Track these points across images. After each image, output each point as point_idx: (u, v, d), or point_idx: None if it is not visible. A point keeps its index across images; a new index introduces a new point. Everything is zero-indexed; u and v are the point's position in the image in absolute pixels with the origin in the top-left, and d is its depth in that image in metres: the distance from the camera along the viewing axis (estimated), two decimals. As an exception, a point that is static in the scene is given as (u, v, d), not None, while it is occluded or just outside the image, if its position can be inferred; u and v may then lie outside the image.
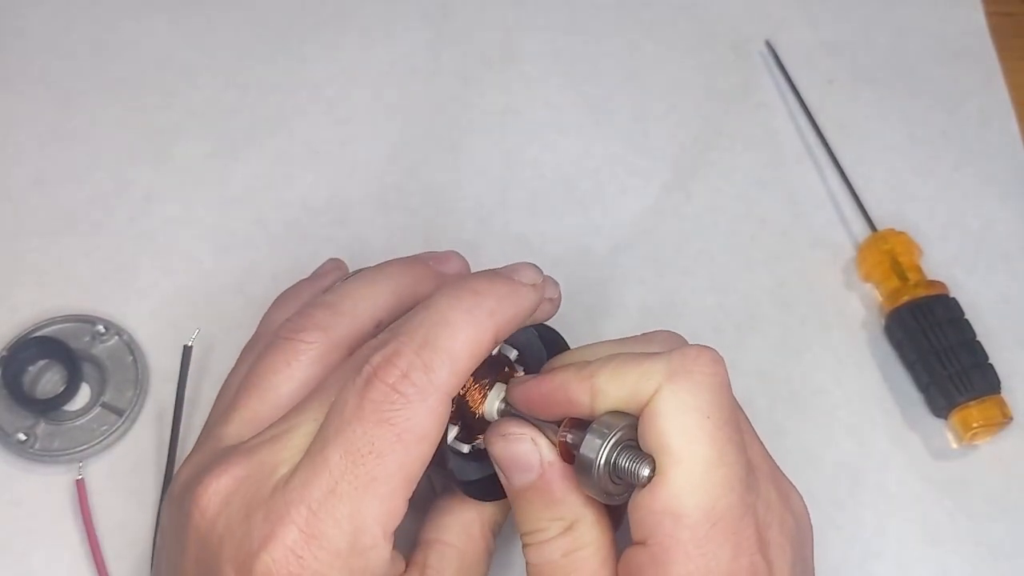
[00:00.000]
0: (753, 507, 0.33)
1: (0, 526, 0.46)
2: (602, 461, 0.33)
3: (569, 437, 0.35)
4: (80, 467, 0.46)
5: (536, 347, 0.40)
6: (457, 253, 0.42)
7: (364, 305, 0.39)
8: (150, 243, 0.52)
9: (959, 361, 0.49)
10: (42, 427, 0.47)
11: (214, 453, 0.36)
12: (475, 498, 0.38)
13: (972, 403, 0.48)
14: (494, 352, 0.38)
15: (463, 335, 0.34)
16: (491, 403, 0.37)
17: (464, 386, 0.37)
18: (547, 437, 0.35)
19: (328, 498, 0.32)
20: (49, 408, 0.47)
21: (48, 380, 0.49)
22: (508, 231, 0.54)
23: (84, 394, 0.49)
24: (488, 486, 0.38)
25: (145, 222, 0.53)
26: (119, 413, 0.48)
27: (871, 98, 0.59)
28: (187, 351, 0.46)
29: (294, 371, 0.37)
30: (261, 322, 0.44)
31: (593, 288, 0.53)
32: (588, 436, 0.34)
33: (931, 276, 0.52)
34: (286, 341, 0.38)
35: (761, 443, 0.38)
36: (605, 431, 0.33)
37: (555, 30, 0.60)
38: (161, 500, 0.45)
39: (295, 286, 0.45)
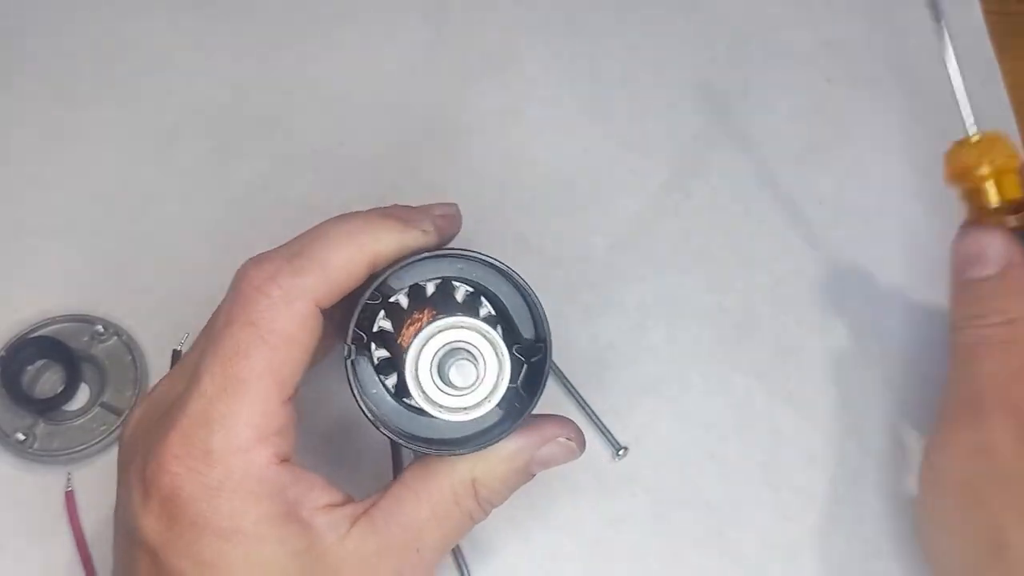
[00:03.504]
0: None
1: (-1, 526, 0.46)
2: None
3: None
4: (69, 477, 0.46)
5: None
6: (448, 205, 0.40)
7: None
8: (150, 243, 0.52)
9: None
10: (41, 427, 0.47)
11: None
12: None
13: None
14: (469, 292, 0.36)
15: (341, 251, 0.35)
16: None
17: (403, 322, 0.36)
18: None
19: (206, 405, 0.34)
20: (48, 408, 0.47)
21: (47, 380, 0.49)
22: (508, 231, 0.54)
23: (83, 394, 0.49)
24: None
25: (145, 222, 0.53)
26: (118, 413, 0.48)
27: (871, 98, 0.59)
28: (176, 355, 0.48)
29: None
30: None
31: (592, 287, 0.53)
32: None
33: (931, 275, 0.52)
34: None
35: None
36: None
37: (555, 30, 0.60)
38: None
39: None
